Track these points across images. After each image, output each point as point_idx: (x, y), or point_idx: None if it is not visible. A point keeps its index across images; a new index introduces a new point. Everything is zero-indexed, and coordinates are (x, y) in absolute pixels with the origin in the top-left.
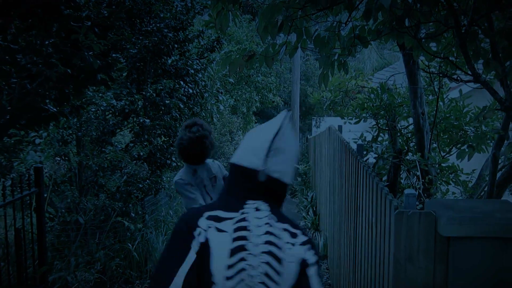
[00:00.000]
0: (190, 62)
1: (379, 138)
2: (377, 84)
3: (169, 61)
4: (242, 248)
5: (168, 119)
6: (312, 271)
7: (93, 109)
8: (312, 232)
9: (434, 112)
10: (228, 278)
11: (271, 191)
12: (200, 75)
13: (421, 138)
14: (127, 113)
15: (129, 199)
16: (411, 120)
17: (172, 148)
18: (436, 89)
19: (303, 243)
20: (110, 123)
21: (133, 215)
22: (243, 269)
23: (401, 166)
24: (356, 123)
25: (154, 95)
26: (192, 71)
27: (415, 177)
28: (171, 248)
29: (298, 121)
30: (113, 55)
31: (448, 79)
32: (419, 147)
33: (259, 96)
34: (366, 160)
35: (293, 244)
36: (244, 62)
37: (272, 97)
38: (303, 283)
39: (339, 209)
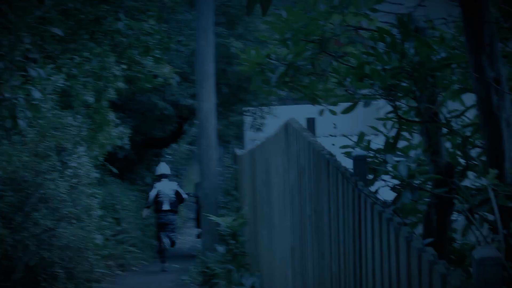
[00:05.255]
0: None
1: (401, 144)
2: (391, 20)
3: None
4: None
5: None
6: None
7: None
8: None
9: None
10: (160, 197)
11: (166, 176)
12: None
13: (496, 136)
14: None
15: None
16: (468, 98)
17: None
18: None
19: (176, 184)
20: None
21: None
22: (163, 195)
23: (454, 201)
24: (346, 111)
25: None
26: None
27: (486, 224)
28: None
29: (215, 119)
30: None
31: None
32: (492, 159)
33: (125, 66)
34: (374, 193)
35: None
36: None
37: (152, 66)
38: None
39: None
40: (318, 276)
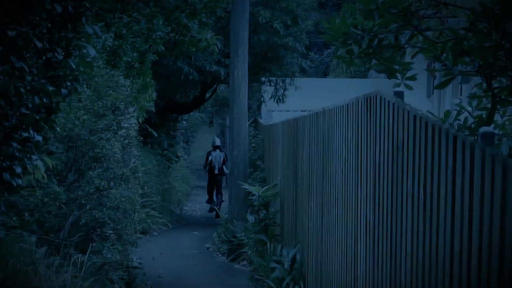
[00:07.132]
0: None
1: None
2: None
3: None
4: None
5: None
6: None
7: None
8: None
9: None
10: (213, 163)
11: (218, 147)
12: None
13: None
14: None
15: None
16: None
17: None
18: None
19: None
20: None
21: None
22: (215, 162)
23: None
24: (440, 86)
25: None
26: None
27: None
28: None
29: (247, 88)
30: None
31: None
32: None
33: (169, 28)
34: None
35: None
36: None
37: (196, 32)
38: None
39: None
40: (423, 252)
